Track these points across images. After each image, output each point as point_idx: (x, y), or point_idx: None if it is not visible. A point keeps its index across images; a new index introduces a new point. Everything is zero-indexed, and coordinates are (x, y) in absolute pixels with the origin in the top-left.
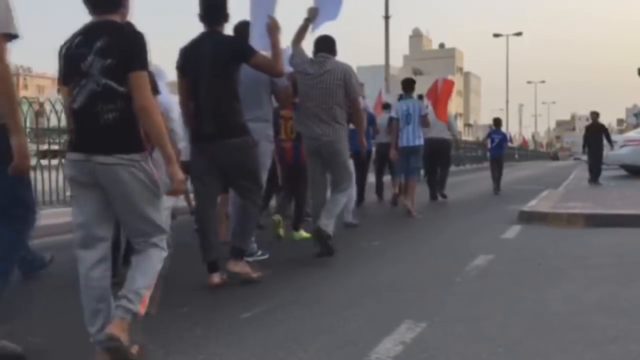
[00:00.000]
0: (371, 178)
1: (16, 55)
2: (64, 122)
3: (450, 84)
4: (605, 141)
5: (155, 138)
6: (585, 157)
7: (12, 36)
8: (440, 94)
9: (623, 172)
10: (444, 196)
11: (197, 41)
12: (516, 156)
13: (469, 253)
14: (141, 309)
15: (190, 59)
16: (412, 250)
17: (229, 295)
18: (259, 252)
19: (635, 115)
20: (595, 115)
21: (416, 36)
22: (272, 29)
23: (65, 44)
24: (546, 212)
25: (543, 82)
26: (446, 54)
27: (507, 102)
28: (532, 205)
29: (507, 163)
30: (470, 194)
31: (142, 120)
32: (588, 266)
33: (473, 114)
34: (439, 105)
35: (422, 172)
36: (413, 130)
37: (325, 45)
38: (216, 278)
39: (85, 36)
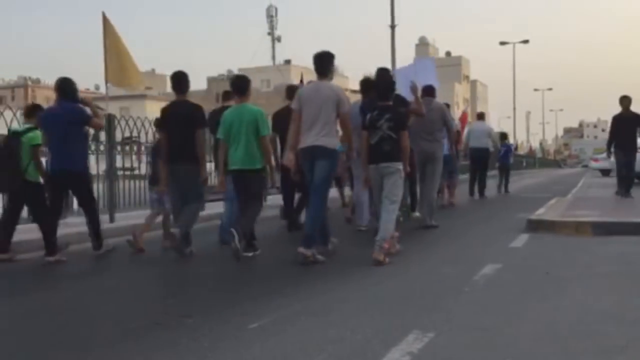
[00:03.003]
0: None
1: (25, 66)
2: None
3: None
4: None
5: (404, 158)
6: (596, 164)
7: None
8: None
9: None
10: (483, 195)
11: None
12: (524, 164)
13: (476, 262)
14: (386, 245)
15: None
16: (420, 259)
17: (235, 306)
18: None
19: None
20: (627, 101)
21: (422, 45)
22: (414, 90)
23: (371, 113)
24: (554, 221)
25: (550, 89)
26: (452, 62)
27: (514, 109)
28: (540, 213)
29: (516, 171)
30: (477, 202)
31: (401, 150)
32: (597, 275)
33: None
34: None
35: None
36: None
37: (430, 91)
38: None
39: (380, 112)
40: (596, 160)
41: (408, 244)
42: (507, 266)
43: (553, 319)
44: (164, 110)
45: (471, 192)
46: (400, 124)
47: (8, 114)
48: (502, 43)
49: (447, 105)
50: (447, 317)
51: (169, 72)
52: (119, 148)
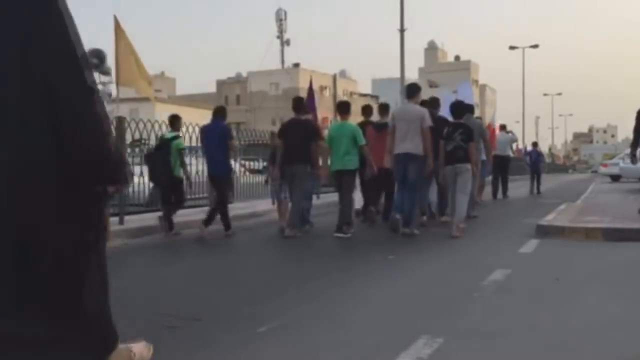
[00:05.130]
0: None
1: None
2: None
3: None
4: None
5: (473, 162)
6: (605, 170)
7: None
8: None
9: None
10: (506, 196)
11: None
12: None
13: (486, 267)
14: (462, 225)
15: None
16: (429, 264)
17: (245, 308)
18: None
19: None
20: None
21: (431, 49)
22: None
23: (446, 129)
24: (564, 226)
25: (560, 94)
26: (461, 67)
27: (523, 114)
28: (550, 219)
29: (524, 176)
30: (486, 207)
31: (470, 154)
32: (606, 281)
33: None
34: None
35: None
36: None
37: (470, 110)
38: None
39: (454, 128)
40: (605, 165)
41: (414, 248)
42: (517, 272)
43: (563, 326)
44: (284, 125)
45: (494, 195)
46: (469, 136)
47: None
48: (512, 47)
49: (479, 118)
50: (456, 323)
51: (178, 75)
52: (128, 150)
